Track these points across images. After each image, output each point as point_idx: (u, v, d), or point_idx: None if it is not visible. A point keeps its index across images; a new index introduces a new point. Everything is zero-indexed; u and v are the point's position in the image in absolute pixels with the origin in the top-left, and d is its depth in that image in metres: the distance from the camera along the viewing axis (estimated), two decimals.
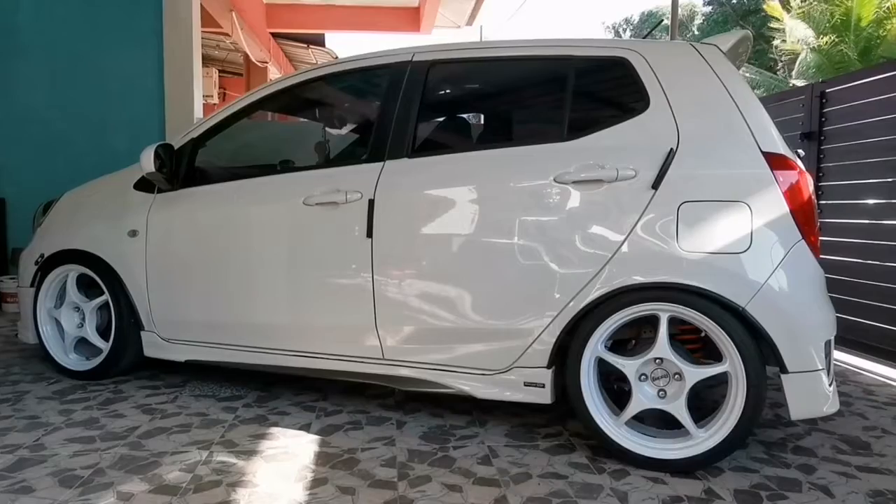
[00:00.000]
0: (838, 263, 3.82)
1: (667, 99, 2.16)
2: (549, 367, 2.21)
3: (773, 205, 2.02)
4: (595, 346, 2.15)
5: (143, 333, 2.88)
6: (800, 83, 12.00)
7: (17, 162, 5.09)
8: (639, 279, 2.08)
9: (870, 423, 2.59)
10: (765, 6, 15.02)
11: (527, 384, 2.24)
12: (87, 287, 3.06)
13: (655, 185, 2.08)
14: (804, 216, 2.04)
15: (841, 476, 2.09)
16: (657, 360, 2.11)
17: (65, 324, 3.06)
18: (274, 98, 2.84)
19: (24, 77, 5.09)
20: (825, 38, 12.79)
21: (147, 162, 2.67)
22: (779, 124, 2.23)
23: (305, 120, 4.61)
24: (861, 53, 12.60)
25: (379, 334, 2.41)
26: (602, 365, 2.19)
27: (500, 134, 2.90)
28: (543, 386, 2.22)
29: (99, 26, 5.11)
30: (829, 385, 2.03)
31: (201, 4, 5.50)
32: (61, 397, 2.74)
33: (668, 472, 2.07)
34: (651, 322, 2.14)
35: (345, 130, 3.75)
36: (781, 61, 16.02)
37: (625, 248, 2.09)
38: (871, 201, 3.74)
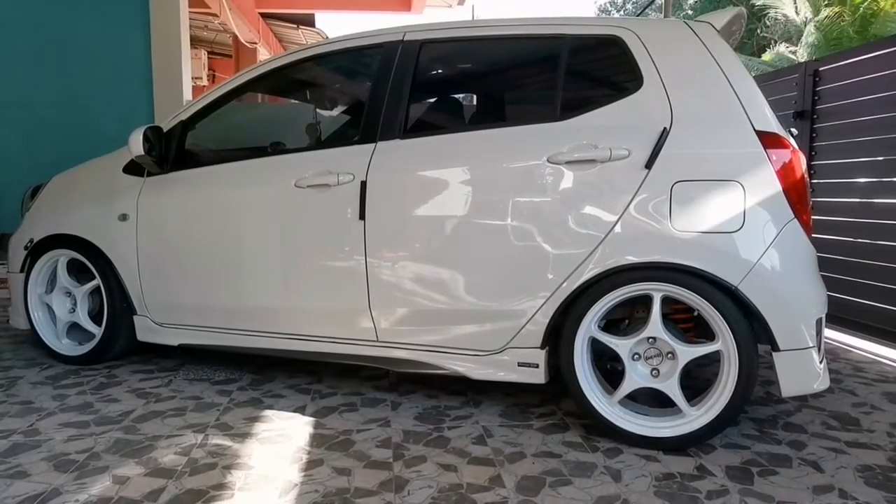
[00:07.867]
0: (830, 242, 3.84)
1: (660, 78, 2.14)
2: (542, 347, 2.22)
3: (765, 184, 2.02)
4: (588, 326, 2.15)
5: (135, 318, 2.87)
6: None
7: (2, 146, 5.02)
8: (632, 259, 2.08)
9: (859, 400, 2.62)
10: None
11: (521, 364, 2.25)
12: (78, 272, 3.04)
13: (649, 164, 2.07)
14: (797, 195, 2.04)
15: (830, 451, 2.12)
16: (650, 340, 2.12)
17: (56, 309, 3.04)
18: (264, 79, 2.80)
19: (8, 59, 5.00)
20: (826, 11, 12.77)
21: (136, 145, 2.64)
22: (772, 103, 2.22)
23: (296, 101, 4.56)
24: (857, 31, 12.59)
25: (373, 316, 2.41)
26: (595, 345, 2.20)
27: (492, 114, 2.88)
28: (537, 366, 2.23)
29: (85, 7, 5.01)
30: (820, 362, 2.04)
31: None
32: (54, 382, 2.73)
33: (660, 449, 2.09)
34: (644, 302, 2.15)
35: (336, 112, 3.71)
36: (775, 39, 15.93)
37: (618, 228, 2.09)
38: (862, 180, 3.75)
